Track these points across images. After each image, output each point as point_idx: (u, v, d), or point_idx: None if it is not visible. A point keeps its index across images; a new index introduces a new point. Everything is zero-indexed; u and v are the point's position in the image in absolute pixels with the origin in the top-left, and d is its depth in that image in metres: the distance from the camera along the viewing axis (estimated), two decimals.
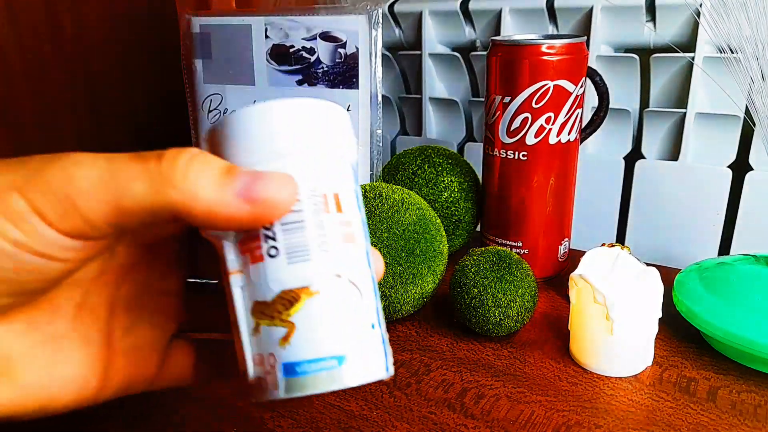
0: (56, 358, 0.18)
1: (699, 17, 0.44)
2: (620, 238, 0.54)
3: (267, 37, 0.46)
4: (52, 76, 0.53)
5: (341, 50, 0.45)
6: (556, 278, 0.45)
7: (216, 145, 0.18)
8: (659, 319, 0.33)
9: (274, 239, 0.17)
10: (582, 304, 0.33)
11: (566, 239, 0.44)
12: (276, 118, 0.18)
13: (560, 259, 0.44)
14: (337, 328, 0.18)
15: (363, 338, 0.18)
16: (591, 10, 0.49)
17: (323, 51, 0.45)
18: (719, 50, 0.44)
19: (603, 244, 0.37)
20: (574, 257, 0.43)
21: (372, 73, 0.45)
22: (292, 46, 0.46)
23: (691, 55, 0.46)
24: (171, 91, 0.62)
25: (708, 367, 0.34)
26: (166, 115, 0.63)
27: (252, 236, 0.18)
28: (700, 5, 0.44)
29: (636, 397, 0.31)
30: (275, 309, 0.17)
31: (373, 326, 0.19)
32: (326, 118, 0.19)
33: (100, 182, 0.16)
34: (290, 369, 0.17)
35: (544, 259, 0.43)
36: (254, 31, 0.46)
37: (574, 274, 0.34)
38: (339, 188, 0.19)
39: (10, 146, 0.51)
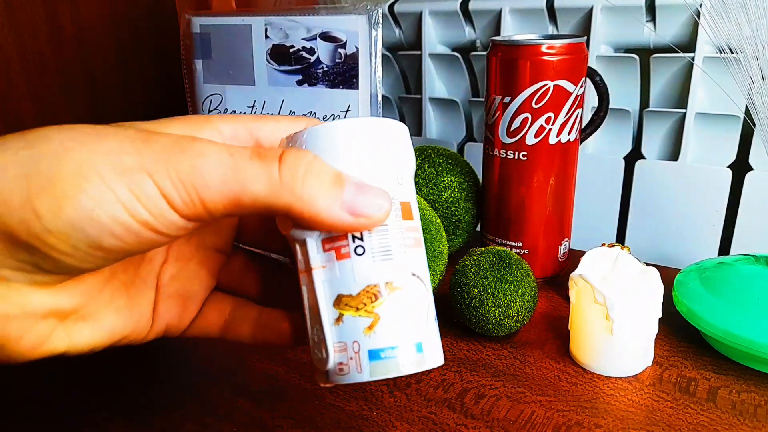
0: (128, 301, 0.21)
1: (699, 17, 0.44)
2: (620, 238, 0.54)
3: (267, 37, 0.46)
4: (51, 76, 0.53)
5: (341, 50, 0.45)
6: (556, 278, 0.45)
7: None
8: (659, 319, 0.33)
9: (361, 239, 0.20)
10: (582, 304, 0.33)
11: (566, 239, 0.44)
12: (360, 134, 0.20)
13: (560, 259, 0.44)
14: (414, 319, 0.20)
15: (430, 328, 0.21)
16: (591, 10, 0.49)
17: (323, 51, 0.45)
18: (719, 50, 0.44)
19: (603, 244, 0.37)
20: (574, 257, 0.43)
21: (372, 73, 0.45)
22: (292, 47, 0.46)
23: (691, 55, 0.46)
24: (171, 92, 0.62)
25: (708, 367, 0.34)
26: (166, 116, 0.63)
27: (338, 236, 0.20)
28: (700, 5, 0.44)
29: (636, 397, 0.31)
30: (361, 301, 0.19)
31: (435, 319, 0.21)
32: (398, 135, 0.21)
33: (224, 179, 0.17)
34: (375, 354, 0.19)
35: (544, 259, 0.43)
36: (254, 31, 0.46)
37: (574, 274, 0.34)
38: (410, 198, 0.21)
39: None
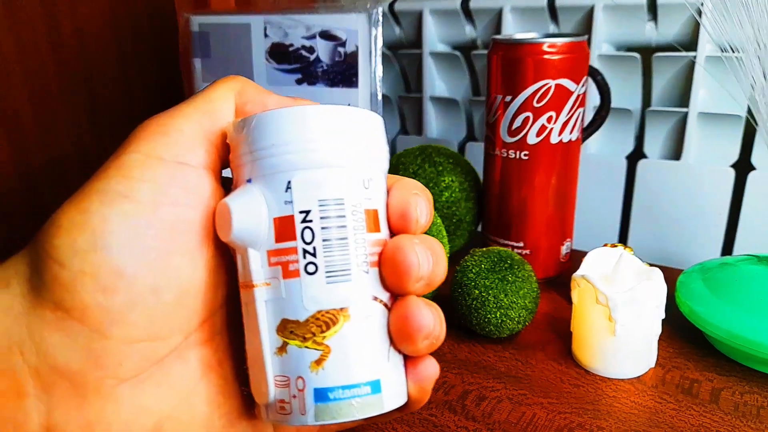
0: (235, 404, 0.19)
1: (700, 16, 0.44)
2: (622, 238, 0.53)
3: (266, 35, 0.46)
4: (49, 76, 0.52)
5: (341, 49, 0.45)
6: (558, 279, 0.44)
7: (248, 143, 0.17)
8: (662, 320, 0.33)
9: (313, 255, 0.16)
10: (584, 305, 0.33)
11: (568, 239, 0.44)
12: (318, 123, 0.17)
13: (562, 260, 0.44)
14: (372, 353, 0.17)
15: (392, 362, 0.18)
16: (592, 8, 0.49)
17: (323, 50, 0.45)
18: (721, 49, 0.44)
19: (605, 245, 0.36)
20: (576, 258, 0.42)
21: (372, 72, 0.45)
22: (292, 45, 0.45)
23: (693, 54, 0.46)
24: (169, 90, 0.61)
25: (711, 368, 0.33)
26: None
27: (287, 248, 0.17)
28: (701, 4, 0.43)
29: (638, 398, 0.31)
30: (308, 330, 0.16)
31: (397, 350, 0.18)
32: (369, 127, 0.18)
33: None
34: (322, 395, 0.16)
35: (546, 260, 0.43)
36: (253, 30, 0.46)
37: (576, 275, 0.33)
38: (378, 205, 0.18)
39: (7, 146, 0.51)
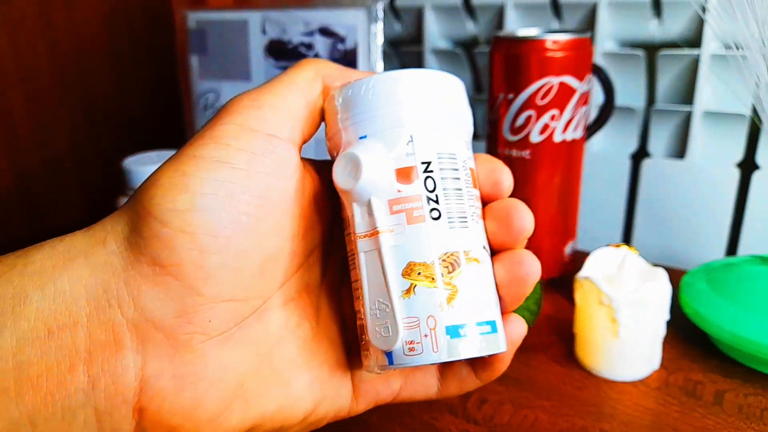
0: (311, 361, 0.20)
1: (705, 14, 0.44)
2: (626, 238, 0.53)
3: (264, 32, 0.45)
4: (45, 74, 0.52)
5: (340, 46, 0.44)
6: (562, 280, 0.44)
7: (366, 102, 0.18)
8: (666, 321, 0.32)
9: (436, 202, 0.18)
10: (587, 306, 0.33)
11: (571, 240, 0.43)
12: (431, 89, 0.18)
13: (565, 261, 0.43)
14: (490, 295, 0.18)
15: (499, 309, 0.19)
16: (596, 5, 0.48)
17: (322, 46, 0.44)
18: (726, 47, 0.44)
19: (609, 245, 0.36)
20: (580, 258, 0.42)
21: (372, 69, 0.45)
22: (290, 42, 0.45)
23: (698, 52, 0.45)
24: (165, 88, 0.61)
25: (715, 370, 0.33)
26: (161, 112, 0.62)
27: (410, 196, 0.18)
28: (706, 1, 0.43)
29: (642, 401, 0.31)
30: (437, 271, 0.17)
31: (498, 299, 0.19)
32: (463, 92, 0.20)
33: None
34: (454, 331, 0.17)
35: (549, 261, 0.43)
36: (251, 26, 0.45)
37: (579, 276, 0.33)
38: (474, 164, 0.20)
39: (2, 144, 0.50)
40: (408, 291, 0.17)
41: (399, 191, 0.18)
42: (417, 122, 0.18)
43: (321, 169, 0.20)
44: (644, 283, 0.32)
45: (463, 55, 0.56)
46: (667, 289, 0.32)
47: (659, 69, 0.48)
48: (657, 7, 0.46)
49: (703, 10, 0.43)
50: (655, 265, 0.35)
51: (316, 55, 0.45)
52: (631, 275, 0.32)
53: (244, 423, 0.18)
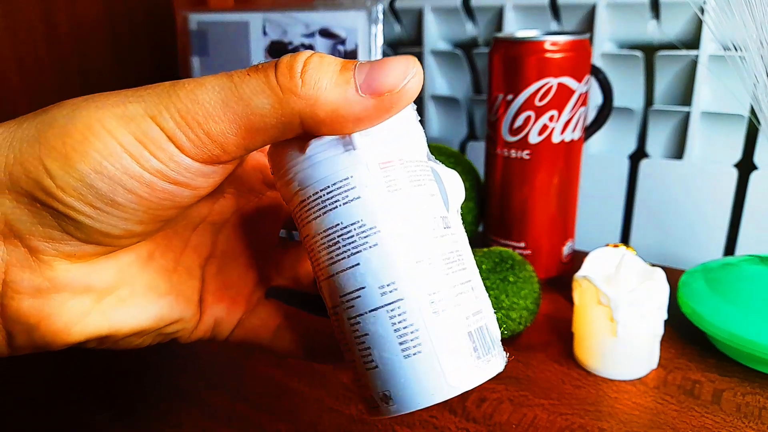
0: (170, 288, 0.20)
1: (703, 15, 0.44)
2: (624, 238, 0.53)
3: (265, 33, 0.45)
4: (46, 74, 0.52)
5: (340, 47, 0.44)
6: (560, 279, 0.44)
7: None
8: (664, 320, 0.33)
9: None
10: (586, 305, 0.33)
11: (570, 240, 0.44)
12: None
13: (564, 260, 0.44)
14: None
15: None
16: (595, 6, 0.48)
17: (322, 48, 0.45)
18: (724, 48, 0.44)
19: (607, 245, 0.36)
20: (578, 258, 0.42)
21: None
22: (291, 43, 0.45)
23: (696, 53, 0.45)
24: None
25: (713, 369, 0.33)
26: None
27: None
28: (704, 2, 0.43)
29: (640, 400, 0.31)
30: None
31: None
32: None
33: (226, 101, 0.16)
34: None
35: (548, 260, 0.43)
36: (252, 28, 0.45)
37: (578, 275, 0.33)
38: None
39: None
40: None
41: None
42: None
43: None
44: (642, 282, 0.32)
45: (463, 56, 0.56)
46: (665, 288, 0.32)
47: (657, 70, 0.48)
48: (655, 8, 0.46)
49: (702, 11, 0.44)
50: (654, 264, 0.35)
51: None
52: (630, 275, 0.32)
53: (100, 331, 0.18)
